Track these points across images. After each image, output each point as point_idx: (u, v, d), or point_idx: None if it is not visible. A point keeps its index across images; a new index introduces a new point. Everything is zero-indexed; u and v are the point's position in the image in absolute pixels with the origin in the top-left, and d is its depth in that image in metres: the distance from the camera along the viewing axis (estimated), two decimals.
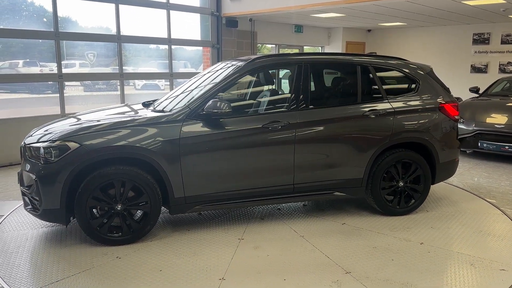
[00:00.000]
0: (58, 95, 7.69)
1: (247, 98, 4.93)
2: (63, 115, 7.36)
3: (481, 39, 12.78)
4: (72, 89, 9.35)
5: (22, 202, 4.11)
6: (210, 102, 3.93)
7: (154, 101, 4.97)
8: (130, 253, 3.74)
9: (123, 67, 8.62)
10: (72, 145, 3.65)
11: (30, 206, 3.92)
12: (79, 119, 4.32)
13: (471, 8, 9.56)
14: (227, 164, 4.05)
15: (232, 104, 4.07)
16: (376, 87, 4.67)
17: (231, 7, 10.09)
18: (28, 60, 8.08)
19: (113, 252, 3.74)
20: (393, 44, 14.71)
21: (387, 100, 4.59)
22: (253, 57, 4.48)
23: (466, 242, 4.05)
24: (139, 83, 11.29)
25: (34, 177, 3.69)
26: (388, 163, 4.51)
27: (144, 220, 3.90)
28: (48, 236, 4.11)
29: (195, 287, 3.21)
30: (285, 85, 5.29)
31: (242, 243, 3.96)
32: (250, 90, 5.14)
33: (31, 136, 4.11)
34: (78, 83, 9.20)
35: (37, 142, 3.83)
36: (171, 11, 9.29)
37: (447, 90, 4.97)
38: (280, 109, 4.39)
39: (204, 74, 4.97)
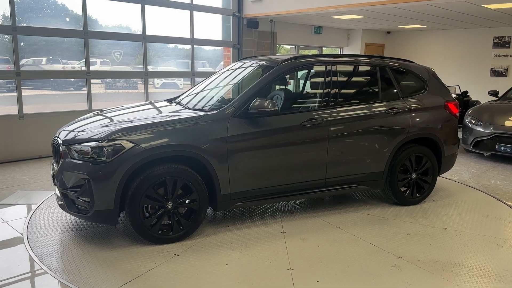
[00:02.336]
0: (81, 92, 8.01)
1: (282, 96, 4.98)
2: (90, 111, 7.63)
3: (501, 43, 12.71)
4: (97, 87, 9.67)
5: (61, 203, 3.92)
6: (256, 100, 4.01)
7: (175, 98, 5.14)
8: (185, 250, 3.76)
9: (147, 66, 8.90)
10: (126, 144, 3.62)
11: (75, 209, 3.79)
12: (111, 118, 4.26)
13: (491, 12, 9.55)
14: (270, 160, 4.19)
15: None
16: (393, 86, 4.98)
17: (252, 8, 10.29)
18: (51, 57, 8.35)
19: (168, 250, 3.75)
20: (413, 46, 14.72)
21: (403, 99, 4.92)
22: (287, 56, 4.63)
23: (482, 226, 4.47)
24: (159, 81, 11.58)
25: (86, 177, 3.59)
26: (404, 157, 4.85)
27: (194, 217, 3.93)
28: (89, 237, 4.01)
29: (270, 277, 3.33)
30: (307, 85, 5.42)
31: (287, 236, 4.11)
32: (283, 88, 5.22)
33: (67, 133, 4.00)
34: (100, 81, 9.49)
35: (85, 141, 3.74)
36: (194, 12, 9.54)
37: (448, 90, 5.38)
38: (315, 107, 4.61)
39: (224, 72, 5.23)
